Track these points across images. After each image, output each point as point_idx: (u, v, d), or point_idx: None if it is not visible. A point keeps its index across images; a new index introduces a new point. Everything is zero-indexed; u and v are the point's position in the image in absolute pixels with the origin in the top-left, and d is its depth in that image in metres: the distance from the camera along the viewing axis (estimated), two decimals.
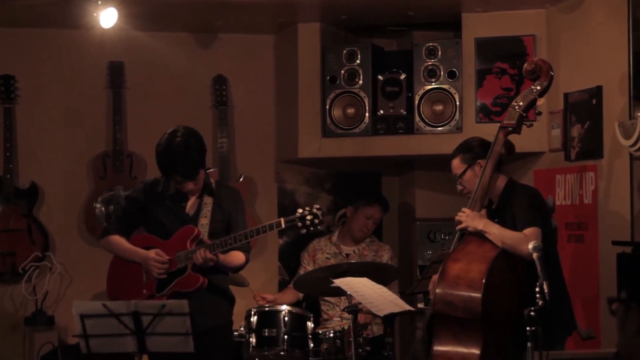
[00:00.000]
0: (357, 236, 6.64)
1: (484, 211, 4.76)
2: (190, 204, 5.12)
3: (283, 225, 4.93)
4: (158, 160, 4.98)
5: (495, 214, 4.77)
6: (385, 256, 6.62)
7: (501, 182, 4.83)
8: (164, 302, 4.41)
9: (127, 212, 5.27)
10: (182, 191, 5.06)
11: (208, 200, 5.10)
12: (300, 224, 4.93)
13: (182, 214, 5.10)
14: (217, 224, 5.08)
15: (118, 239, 5.17)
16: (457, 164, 4.94)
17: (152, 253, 5.00)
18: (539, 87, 4.82)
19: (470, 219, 4.68)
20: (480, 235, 4.65)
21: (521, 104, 4.81)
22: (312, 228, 4.95)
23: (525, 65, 4.89)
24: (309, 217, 4.92)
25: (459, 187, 4.95)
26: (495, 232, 4.61)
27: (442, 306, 4.54)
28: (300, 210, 4.95)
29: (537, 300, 3.97)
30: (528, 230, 4.56)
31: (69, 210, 6.99)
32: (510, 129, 4.80)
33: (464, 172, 4.89)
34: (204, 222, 5.05)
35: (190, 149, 4.94)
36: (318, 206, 4.98)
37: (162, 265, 4.98)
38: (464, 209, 4.74)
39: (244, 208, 5.29)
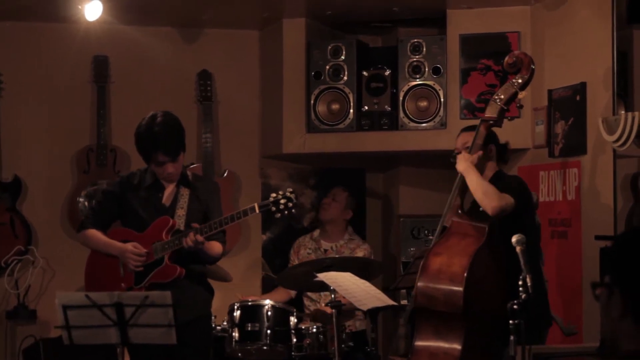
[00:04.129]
0: (322, 218, 6.65)
1: (477, 155, 4.74)
2: (167, 194, 5.08)
3: (257, 210, 4.88)
4: (139, 142, 4.97)
5: None
6: (360, 255, 6.50)
7: (489, 171, 4.85)
8: (147, 293, 4.39)
9: (103, 205, 5.23)
10: (159, 177, 5.03)
11: (185, 192, 5.06)
12: (274, 208, 4.88)
13: (158, 204, 5.06)
14: (194, 215, 5.03)
15: (95, 233, 5.13)
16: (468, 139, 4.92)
17: (129, 246, 4.96)
18: (520, 80, 4.80)
19: (460, 160, 4.73)
20: (461, 230, 4.65)
21: (502, 97, 4.79)
22: (286, 212, 4.88)
23: (507, 58, 4.85)
24: (282, 201, 4.86)
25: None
26: (473, 178, 4.65)
27: (424, 300, 4.54)
28: (274, 195, 4.91)
29: (520, 294, 3.98)
30: (503, 194, 4.60)
31: (52, 204, 6.96)
32: (491, 122, 4.79)
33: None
34: (181, 213, 5.01)
35: (172, 128, 4.96)
36: (292, 189, 4.93)
37: (139, 258, 4.95)
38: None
39: (220, 199, 5.25)
